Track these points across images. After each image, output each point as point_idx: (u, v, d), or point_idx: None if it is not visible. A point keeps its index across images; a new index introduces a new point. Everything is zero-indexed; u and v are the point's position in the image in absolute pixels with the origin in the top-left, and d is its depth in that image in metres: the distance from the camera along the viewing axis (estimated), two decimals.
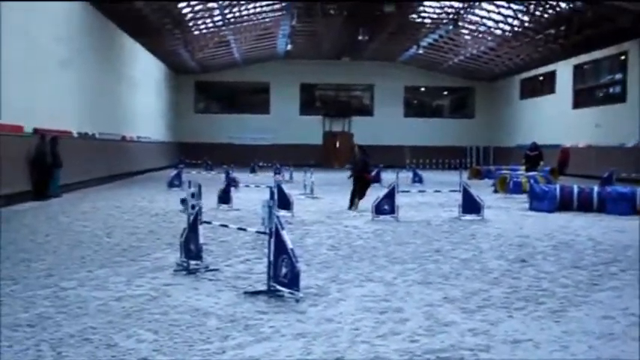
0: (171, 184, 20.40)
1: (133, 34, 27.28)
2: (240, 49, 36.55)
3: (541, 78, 37.41)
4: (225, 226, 8.49)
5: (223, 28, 30.65)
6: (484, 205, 13.27)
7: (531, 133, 35.16)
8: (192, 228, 7.39)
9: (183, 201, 7.49)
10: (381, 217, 12.78)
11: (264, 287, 6.39)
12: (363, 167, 15.01)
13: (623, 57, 29.13)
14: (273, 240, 6.18)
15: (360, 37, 32.57)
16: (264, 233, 6.45)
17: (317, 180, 19.95)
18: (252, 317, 5.53)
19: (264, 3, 28.78)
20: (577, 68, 33.22)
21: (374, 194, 14.83)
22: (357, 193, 14.91)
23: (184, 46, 31.81)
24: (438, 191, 16.95)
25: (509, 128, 40.73)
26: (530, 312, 5.84)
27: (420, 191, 18.00)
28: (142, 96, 30.73)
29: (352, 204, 14.84)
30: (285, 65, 41.91)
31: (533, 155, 24.24)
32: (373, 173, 24.34)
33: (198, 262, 7.41)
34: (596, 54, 30.90)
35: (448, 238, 10.42)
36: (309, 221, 12.50)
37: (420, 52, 36.98)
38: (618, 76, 29.86)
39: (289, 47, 36.83)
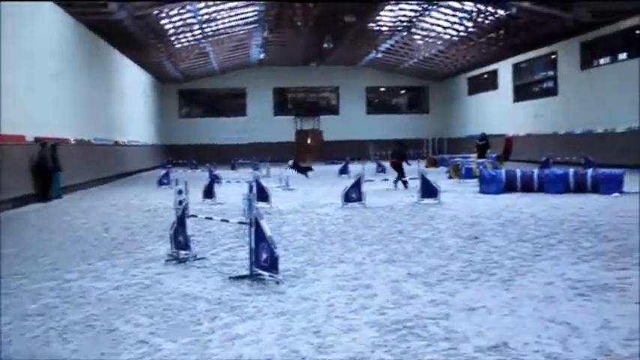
0: (160, 183, 20.16)
1: (121, 48, 26.86)
2: (218, 59, 36.23)
3: (485, 76, 37.73)
4: (210, 218, 8.42)
5: (202, 40, 30.35)
6: (440, 190, 13.37)
7: (479, 125, 35.51)
8: (181, 221, 7.32)
9: (180, 192, 7.39)
10: (350, 204, 12.81)
11: (247, 272, 6.35)
12: (402, 156, 17.58)
13: (553, 56, 29.58)
14: (253, 229, 6.14)
15: (325, 45, 32.51)
16: (245, 223, 6.41)
17: (291, 173, 19.90)
18: (238, 299, 5.49)
19: (238, 18, 28.56)
20: (515, 67, 33.59)
21: (342, 184, 14.86)
22: (401, 175, 17.27)
23: (168, 58, 31.42)
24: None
25: (460, 121, 41.07)
26: (483, 282, 5.90)
27: (383, 180, 18.04)
28: (131, 104, 30.30)
29: (405, 184, 17.02)
30: (260, 72, 41.66)
31: (482, 144, 24.48)
32: (341, 166, 24.43)
33: (187, 251, 7.34)
34: (531, 54, 31.29)
35: (409, 221, 10.47)
36: (286, 211, 12.47)
37: (379, 56, 37.09)
38: (550, 72, 30.29)
39: (262, 56, 36.61)
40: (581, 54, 26.89)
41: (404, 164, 17.53)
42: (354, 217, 11.20)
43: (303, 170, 22.63)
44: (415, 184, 14.19)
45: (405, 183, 17.18)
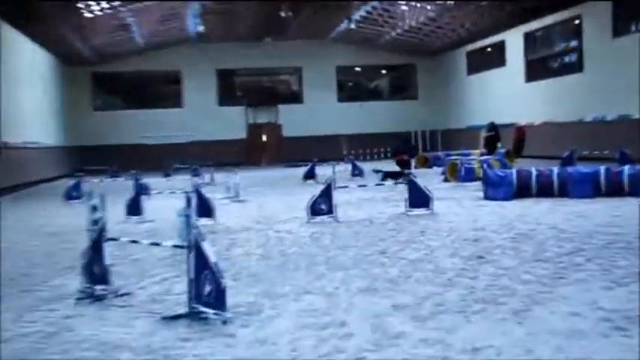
0: (68, 197, 19.89)
1: (11, 21, 26.49)
2: (144, 33, 35.97)
3: (489, 49, 38.33)
4: (136, 241, 8.35)
5: (121, 8, 30.10)
6: (433, 197, 13.50)
7: (482, 112, 36.03)
8: (96, 247, 7.23)
9: (95, 209, 7.27)
10: (318, 218, 12.83)
11: (185, 310, 6.31)
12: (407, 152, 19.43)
13: (577, 21, 30.03)
14: (192, 254, 6.12)
15: (282, 14, 32.59)
16: (181, 247, 6.38)
17: (242, 180, 19.87)
18: (173, 346, 5.46)
19: None
20: (528, 36, 34.15)
21: (308, 192, 14.88)
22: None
23: (75, 31, 31.07)
24: (381, 184, 17.12)
25: (458, 108, 41.58)
26: (490, 314, 5.97)
27: (360, 186, 18.14)
28: (26, 94, 29.89)
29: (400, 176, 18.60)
30: (198, 50, 41.60)
31: (490, 136, 24.77)
32: (306, 169, 24.54)
33: (105, 286, 7.26)
34: (548, 19, 31.84)
35: (394, 237, 10.55)
36: (236, 229, 12.45)
37: (352, 27, 37.30)
38: (573, 42, 30.80)
39: (201, 29, 36.50)
40: (614, 17, 27.24)
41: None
42: (324, 234, 11.23)
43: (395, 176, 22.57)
44: (400, 189, 14.30)
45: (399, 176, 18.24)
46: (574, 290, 6.69)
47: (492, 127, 25.21)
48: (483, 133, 25.30)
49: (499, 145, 24.43)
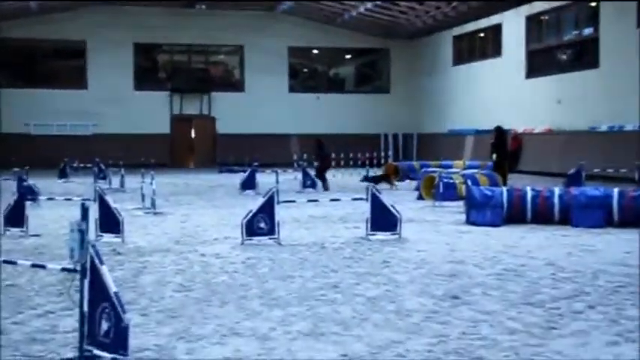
0: None
1: None
2: None
3: (481, 35, 38.73)
4: (13, 262, 8.23)
5: None
6: (402, 219, 13.57)
7: (469, 114, 36.41)
8: None
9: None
10: (255, 239, 12.82)
11: (74, 354, 6.26)
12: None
13: (593, 3, 30.45)
14: (87, 280, 6.06)
15: None
16: (73, 271, 6.32)
17: (162, 187, 19.78)
18: None
19: None
20: (531, 20, 34.54)
21: (245, 206, 14.84)
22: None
23: None
24: (337, 200, 17.14)
25: (439, 107, 41.93)
26: None
27: (311, 200, 18.16)
28: None
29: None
30: (110, 15, 41.39)
31: (496, 143, 24.88)
32: (244, 176, 24.52)
33: None
34: (556, 1, 32.19)
35: (350, 268, 10.59)
36: (148, 249, 12.37)
37: None
38: (587, 30, 31.21)
39: None
40: None
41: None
42: (261, 260, 11.24)
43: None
44: (361, 207, 14.35)
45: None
46: (570, 344, 6.80)
47: (500, 131, 25.28)
48: (490, 139, 25.49)
49: (494, 156, 24.60)
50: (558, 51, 33.34)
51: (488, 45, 37.95)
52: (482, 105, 36.93)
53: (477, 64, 38.79)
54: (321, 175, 25.61)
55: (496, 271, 10.30)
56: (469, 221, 15.47)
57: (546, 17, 33.86)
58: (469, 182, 17.12)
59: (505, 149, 24.76)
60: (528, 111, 33.40)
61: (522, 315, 7.86)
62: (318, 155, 26.75)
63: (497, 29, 36.99)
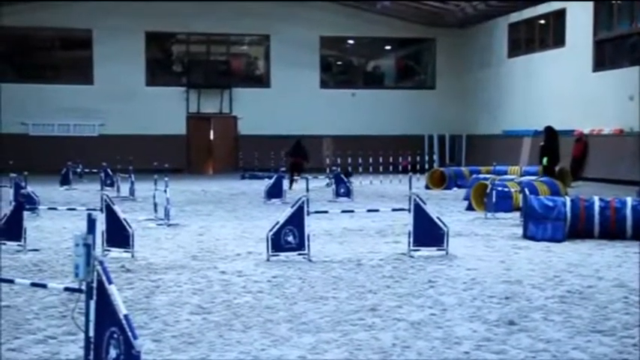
0: None
1: None
2: None
3: (541, 22, 38.55)
4: (10, 281, 8.29)
5: None
6: (449, 232, 13.52)
7: (527, 112, 36.21)
8: None
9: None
10: (282, 255, 12.80)
11: None
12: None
13: None
14: (93, 302, 6.08)
15: None
16: (77, 291, 6.34)
17: (177, 195, 19.85)
18: None
19: None
20: (599, 5, 34.31)
21: (270, 216, 14.85)
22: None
23: None
24: (375, 210, 17.11)
25: (492, 105, 41.80)
26: None
27: (346, 211, 18.16)
28: None
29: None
30: (119, 1, 41.58)
31: (546, 146, 24.85)
32: (270, 183, 24.61)
33: None
34: None
35: (390, 288, 10.53)
36: (162, 266, 12.37)
37: None
38: None
39: None
40: None
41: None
42: (289, 280, 11.20)
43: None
44: (402, 219, 14.30)
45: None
46: None
47: (551, 133, 25.24)
48: (541, 143, 25.47)
49: (544, 160, 24.52)
50: (631, 40, 33.09)
51: (550, 34, 37.77)
52: (541, 102, 36.74)
53: (536, 56, 38.59)
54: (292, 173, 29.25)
55: (558, 294, 10.20)
56: (527, 236, 15.34)
57: (617, 1, 33.64)
58: (527, 191, 17.01)
59: (557, 153, 24.74)
60: (596, 109, 33.13)
61: (590, 345, 7.78)
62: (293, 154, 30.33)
63: (559, 15, 36.82)
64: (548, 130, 25.05)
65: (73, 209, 16.57)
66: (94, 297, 6.07)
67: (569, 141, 30.69)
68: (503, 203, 19.65)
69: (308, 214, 13.06)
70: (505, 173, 26.56)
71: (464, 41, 44.39)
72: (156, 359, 7.16)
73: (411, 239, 13.36)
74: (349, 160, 33.59)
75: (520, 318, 8.85)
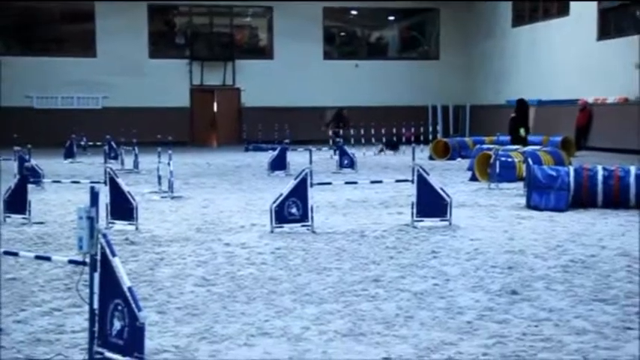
0: None
1: None
2: None
3: None
4: (14, 254, 8.30)
5: None
6: (452, 203, 13.52)
7: (532, 82, 36.10)
8: None
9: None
10: (286, 226, 12.83)
11: (82, 355, 6.30)
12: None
13: None
14: (97, 274, 6.10)
15: None
16: (81, 263, 6.36)
17: (181, 168, 19.86)
18: None
19: None
20: None
21: (274, 189, 14.87)
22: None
23: None
24: (379, 182, 17.12)
25: (496, 75, 41.70)
26: None
27: (349, 182, 18.17)
28: None
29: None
30: None
31: (516, 117, 25.08)
32: (274, 155, 24.58)
33: None
34: None
35: (394, 259, 10.56)
36: (166, 238, 12.41)
37: None
38: None
39: None
40: None
41: None
42: (293, 251, 11.24)
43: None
44: (405, 190, 14.31)
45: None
46: None
47: (523, 104, 25.56)
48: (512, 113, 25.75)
49: (522, 131, 24.62)
50: (637, 8, 32.95)
51: (554, 2, 37.60)
52: (545, 72, 36.66)
53: (540, 25, 38.48)
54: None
55: (561, 263, 10.22)
56: (530, 205, 15.35)
57: None
58: (530, 161, 17.02)
59: (527, 124, 24.96)
60: (600, 78, 33.00)
61: (592, 313, 7.80)
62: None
63: None
64: (521, 102, 25.35)
65: (77, 182, 16.57)
66: (98, 269, 6.10)
67: (573, 110, 30.60)
68: (507, 173, 19.64)
69: (311, 185, 13.08)
70: (509, 143, 26.55)
71: (468, 11, 44.22)
72: (160, 331, 7.19)
73: (414, 210, 13.37)
74: (352, 131, 33.66)
75: (523, 287, 8.89)
